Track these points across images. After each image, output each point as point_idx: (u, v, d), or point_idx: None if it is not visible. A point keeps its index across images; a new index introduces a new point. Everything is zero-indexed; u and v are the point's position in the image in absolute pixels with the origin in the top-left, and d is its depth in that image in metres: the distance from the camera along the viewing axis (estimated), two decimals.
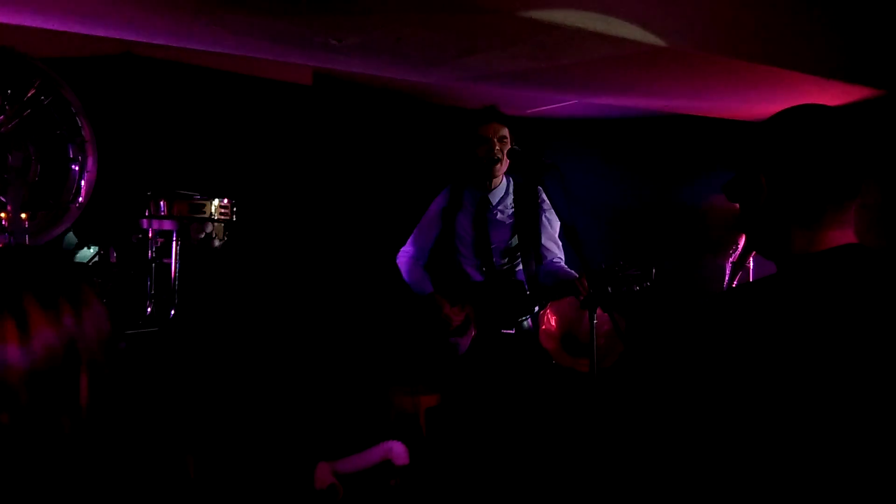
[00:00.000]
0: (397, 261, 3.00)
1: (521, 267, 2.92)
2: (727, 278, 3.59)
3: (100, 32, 2.89)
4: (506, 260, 2.89)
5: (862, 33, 3.15)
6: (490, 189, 2.88)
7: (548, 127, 4.43)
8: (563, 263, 2.90)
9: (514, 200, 2.89)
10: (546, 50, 2.82)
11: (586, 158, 4.33)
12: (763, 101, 3.60)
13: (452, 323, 2.81)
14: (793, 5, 2.96)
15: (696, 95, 3.65)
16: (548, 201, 2.93)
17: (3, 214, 2.39)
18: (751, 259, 3.46)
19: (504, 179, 2.90)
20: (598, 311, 2.39)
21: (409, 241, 3.01)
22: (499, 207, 2.89)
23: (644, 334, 3.55)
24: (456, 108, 4.17)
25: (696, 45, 2.82)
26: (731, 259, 3.60)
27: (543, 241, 2.91)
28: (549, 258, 2.91)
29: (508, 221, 2.88)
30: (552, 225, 2.92)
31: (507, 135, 2.80)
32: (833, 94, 3.45)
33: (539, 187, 2.88)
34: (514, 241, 2.90)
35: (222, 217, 2.93)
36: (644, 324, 3.56)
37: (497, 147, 2.77)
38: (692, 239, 3.98)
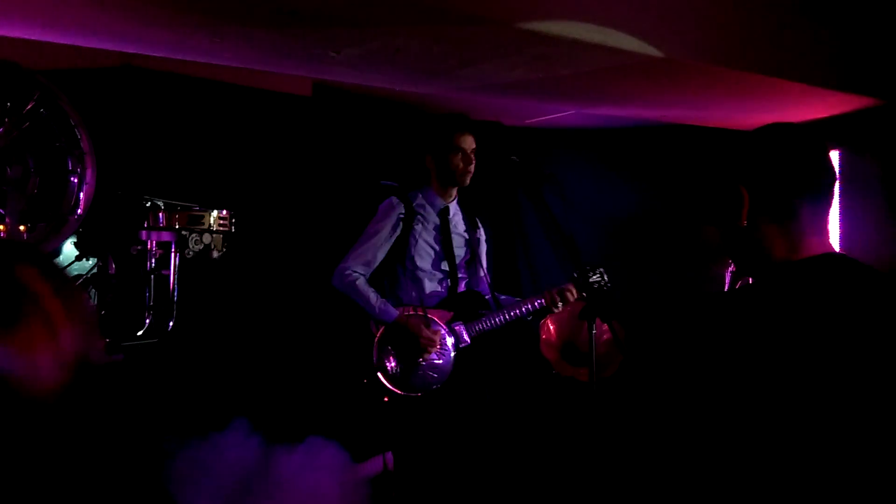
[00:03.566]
0: (342, 282, 2.83)
1: (470, 285, 2.99)
2: (727, 288, 3.59)
3: (100, 45, 2.90)
4: (462, 274, 2.95)
5: (859, 43, 3.17)
6: (451, 200, 2.94)
7: (546, 137, 4.44)
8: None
9: (463, 219, 2.98)
10: (544, 61, 2.83)
11: (585, 168, 4.34)
12: (760, 111, 3.61)
13: (434, 343, 2.77)
14: (789, 16, 2.97)
15: (692, 105, 3.67)
16: (485, 232, 3.05)
17: (1, 227, 2.39)
18: None
19: (456, 194, 2.97)
20: (597, 320, 2.41)
21: (353, 258, 2.85)
22: (455, 220, 2.96)
23: (643, 343, 3.55)
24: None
25: (692, 55, 2.83)
26: (730, 268, 3.60)
27: (483, 264, 3.00)
28: (487, 280, 2.99)
29: (463, 236, 2.95)
30: (485, 253, 3.02)
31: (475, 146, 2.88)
32: (830, 104, 3.46)
33: (477, 218, 3.00)
34: (467, 256, 2.95)
35: (221, 228, 2.93)
36: (643, 333, 3.55)
37: (471, 160, 2.85)
38: (692, 248, 3.98)
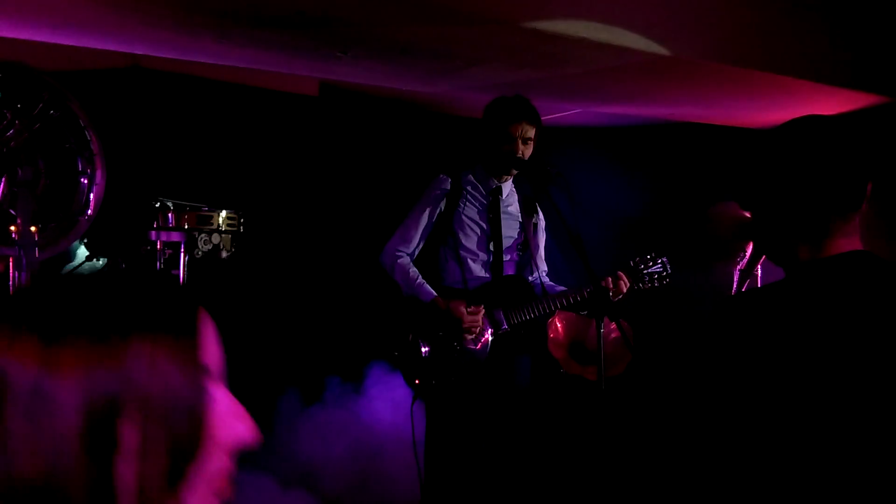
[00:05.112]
0: (386, 260, 2.76)
1: (518, 269, 2.89)
2: (735, 285, 3.58)
3: (108, 46, 2.92)
4: (510, 258, 2.85)
5: (867, 40, 3.15)
6: (504, 181, 2.83)
7: (554, 135, 4.43)
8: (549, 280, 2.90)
9: (519, 201, 2.88)
10: (550, 60, 2.83)
11: (592, 166, 4.33)
12: (768, 108, 3.60)
13: (473, 330, 2.65)
14: (797, 13, 2.96)
15: (700, 103, 3.66)
16: (543, 218, 2.94)
17: (13, 227, 2.41)
18: (759, 266, 3.44)
19: (511, 177, 2.87)
20: (605, 319, 2.39)
21: (399, 236, 2.76)
22: (508, 200, 2.86)
23: (652, 342, 3.54)
24: (463, 118, 4.19)
25: (699, 53, 2.83)
26: (739, 266, 3.59)
27: (539, 252, 2.90)
28: (541, 268, 2.90)
29: (516, 219, 2.86)
30: (543, 241, 2.92)
31: (534, 136, 2.72)
32: (838, 102, 3.45)
33: (537, 203, 2.90)
34: (520, 239, 2.87)
35: (230, 228, 2.95)
36: (652, 331, 3.55)
37: (521, 149, 2.69)
38: (699, 246, 3.97)
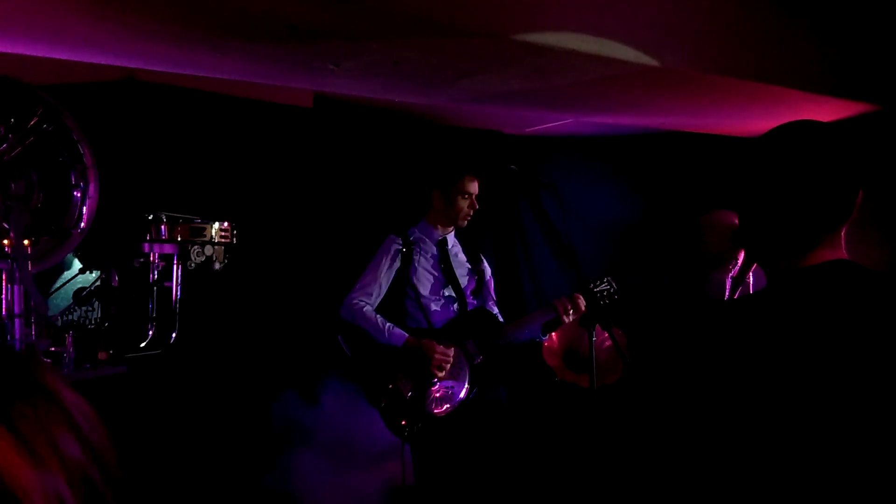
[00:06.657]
0: (350, 311, 2.88)
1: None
2: (727, 293, 3.59)
3: (102, 60, 2.93)
4: (471, 300, 3.01)
5: (856, 49, 3.18)
6: (448, 232, 3.02)
7: (547, 145, 4.46)
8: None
9: (463, 251, 3.06)
10: (541, 72, 2.85)
11: (584, 176, 4.36)
12: (758, 117, 3.63)
13: (448, 360, 2.79)
14: (786, 23, 2.99)
15: (690, 113, 3.69)
16: (489, 267, 3.12)
17: (6, 241, 2.42)
18: (750, 274, 3.46)
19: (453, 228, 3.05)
20: (598, 327, 2.42)
21: (357, 290, 2.91)
22: (454, 250, 3.04)
23: (645, 350, 3.56)
24: (457, 129, 4.21)
25: (689, 64, 2.85)
26: (731, 274, 3.60)
27: (491, 299, 3.04)
28: (494, 312, 3.04)
29: (465, 265, 3.03)
30: (492, 288, 3.10)
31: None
32: (828, 111, 3.48)
33: (481, 254, 3.11)
34: (472, 285, 3.03)
35: (223, 240, 2.96)
36: (645, 339, 3.56)
37: (475, 206, 2.93)
38: (692, 254, 3.99)
